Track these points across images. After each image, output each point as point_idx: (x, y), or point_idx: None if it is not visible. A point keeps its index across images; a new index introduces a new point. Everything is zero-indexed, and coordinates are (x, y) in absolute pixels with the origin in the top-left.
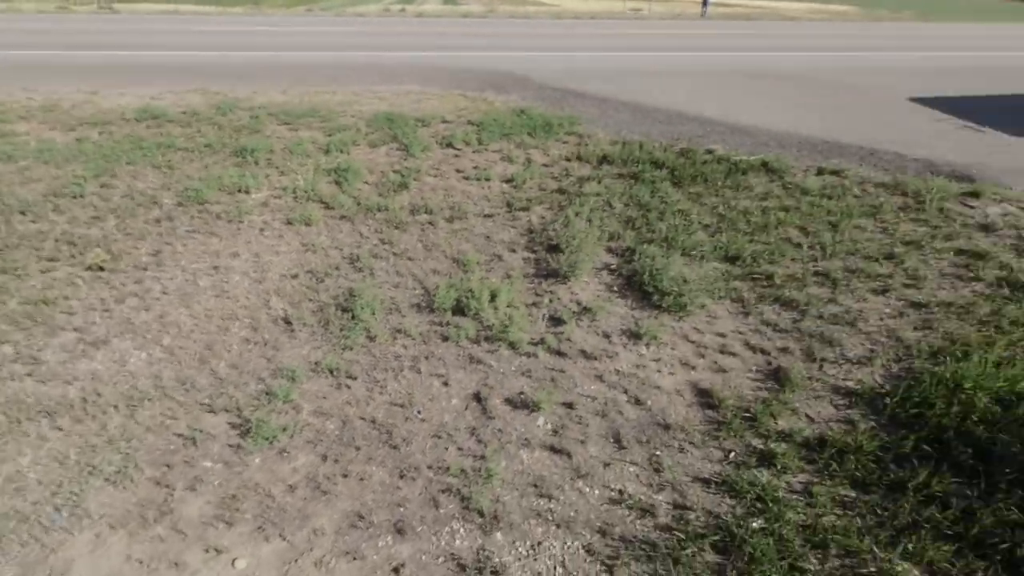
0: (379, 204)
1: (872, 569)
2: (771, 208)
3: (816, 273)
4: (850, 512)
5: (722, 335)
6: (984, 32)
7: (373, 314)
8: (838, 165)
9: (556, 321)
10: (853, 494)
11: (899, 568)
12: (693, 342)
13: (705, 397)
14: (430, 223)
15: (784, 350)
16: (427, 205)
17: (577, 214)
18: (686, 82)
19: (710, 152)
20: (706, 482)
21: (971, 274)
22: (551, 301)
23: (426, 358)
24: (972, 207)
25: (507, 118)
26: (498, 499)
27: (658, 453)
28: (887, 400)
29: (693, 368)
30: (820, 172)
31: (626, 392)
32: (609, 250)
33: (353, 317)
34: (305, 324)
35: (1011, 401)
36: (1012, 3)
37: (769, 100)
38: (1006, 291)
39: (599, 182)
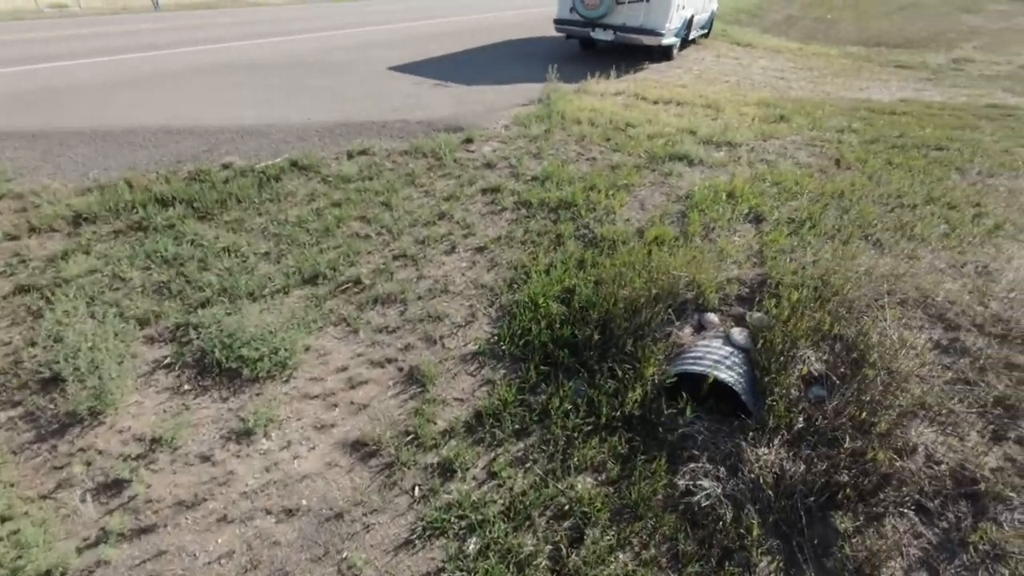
0: None
1: (563, 501)
2: (323, 208)
3: (396, 257)
4: (527, 462)
5: (343, 368)
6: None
7: None
8: (363, 144)
9: (110, 491)
10: (521, 444)
11: (578, 483)
12: (317, 396)
13: (360, 449)
14: None
15: (406, 348)
16: None
17: (68, 313)
18: (165, 88)
19: (228, 167)
20: (408, 544)
21: (498, 207)
22: (86, 466)
23: None
24: (472, 151)
25: None
26: None
27: (343, 555)
28: (502, 345)
29: (332, 425)
30: (351, 156)
31: (270, 512)
32: (150, 340)
33: None
34: None
35: (566, 297)
36: None
37: (267, 93)
38: (523, 211)
39: (87, 254)
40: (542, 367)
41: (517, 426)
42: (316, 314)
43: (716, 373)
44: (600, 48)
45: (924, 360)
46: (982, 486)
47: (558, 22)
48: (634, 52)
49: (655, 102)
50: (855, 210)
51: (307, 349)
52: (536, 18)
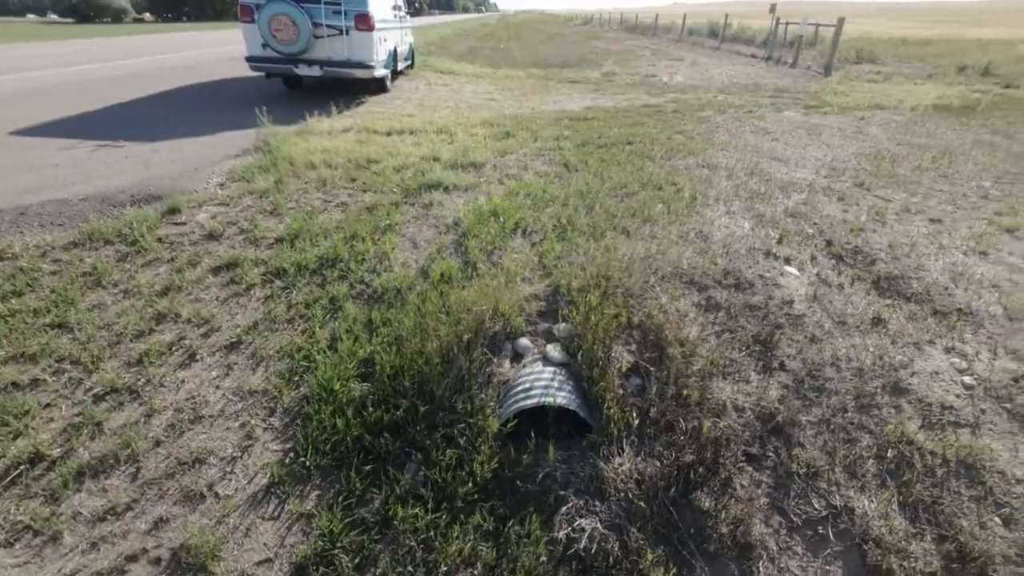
0: None
1: None
2: None
3: (99, 397)
4: None
5: None
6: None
7: None
8: None
9: None
10: None
11: None
12: None
13: None
14: None
15: (158, 525)
16: None
17: None
18: None
19: None
20: None
21: (242, 285)
22: None
23: None
24: (183, 224)
25: None
26: None
27: None
28: (303, 460)
29: None
30: None
31: None
32: None
33: None
34: None
35: (367, 371)
36: (53, 25)
37: None
38: (278, 282)
39: None
40: (365, 467)
41: (358, 559)
42: None
43: (547, 399)
44: (308, 84)
45: (698, 322)
46: (779, 417)
47: (251, 60)
48: (347, 86)
49: (388, 134)
50: (598, 205)
51: None
52: (236, 56)
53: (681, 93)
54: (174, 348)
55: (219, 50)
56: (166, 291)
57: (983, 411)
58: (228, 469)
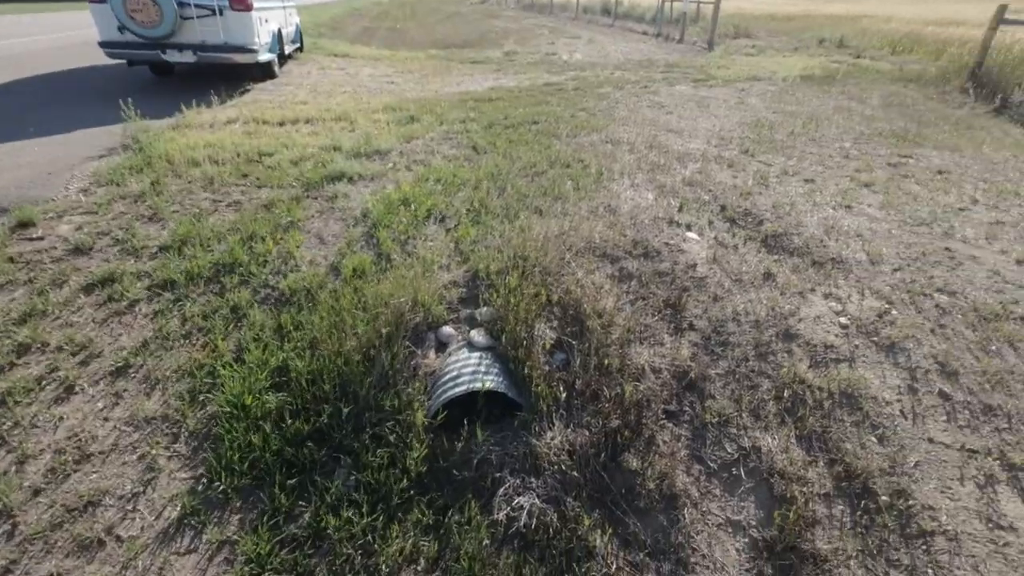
0: None
1: None
2: None
3: None
4: None
5: None
6: None
7: None
8: None
9: None
10: None
11: None
12: None
13: None
14: None
15: None
16: None
17: None
18: None
19: None
20: None
21: (123, 302)
22: None
23: None
24: (39, 239)
25: None
26: None
27: None
28: (219, 484)
29: None
30: None
31: None
32: None
33: None
34: None
35: (281, 379)
36: None
37: None
38: (167, 294)
39: None
40: (289, 481)
41: None
42: None
43: (476, 384)
44: (181, 72)
45: (613, 293)
46: (691, 373)
47: (107, 46)
48: (227, 73)
49: (281, 124)
50: (510, 187)
51: None
52: (90, 41)
53: (580, 71)
54: (45, 382)
55: (66, 35)
56: (26, 318)
57: (856, 346)
58: (129, 508)
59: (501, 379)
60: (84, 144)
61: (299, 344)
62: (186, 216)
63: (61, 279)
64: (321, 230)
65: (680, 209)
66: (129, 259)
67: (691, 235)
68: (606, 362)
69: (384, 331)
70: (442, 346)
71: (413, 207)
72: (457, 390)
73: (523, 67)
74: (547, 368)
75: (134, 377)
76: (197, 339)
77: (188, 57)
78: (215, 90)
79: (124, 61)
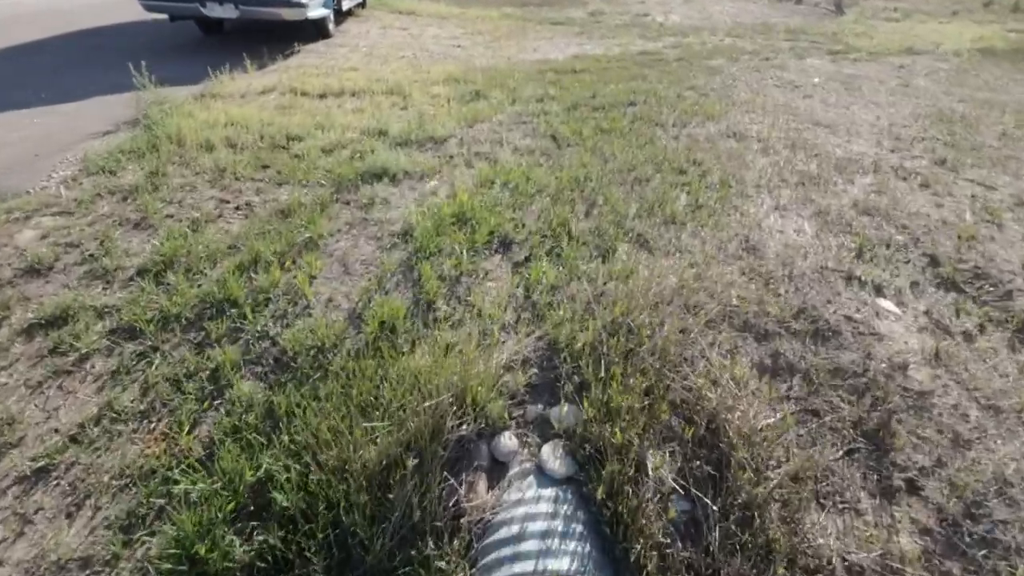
0: None
1: None
2: None
3: None
4: None
5: None
6: None
7: None
8: None
9: None
10: None
11: None
12: None
13: None
14: None
15: None
16: None
17: None
18: None
19: None
20: None
21: (69, 357)
22: None
23: None
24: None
25: None
26: None
27: None
28: None
29: None
30: None
31: None
32: None
33: None
34: None
35: (256, 505)
36: None
37: None
38: (130, 346)
39: None
40: None
41: None
42: None
43: (548, 566)
44: (232, 29)
45: (766, 398)
46: None
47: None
48: (280, 32)
49: (322, 96)
50: (601, 199)
51: None
52: None
53: (681, 36)
54: None
55: None
56: None
57: None
58: None
59: (587, 550)
60: (94, 116)
61: (294, 443)
62: (180, 224)
63: (0, 315)
64: (347, 253)
65: (859, 255)
66: (96, 286)
67: (886, 305)
68: (762, 538)
69: (414, 443)
70: (498, 466)
71: (471, 225)
72: (516, 569)
73: (611, 30)
74: (661, 536)
75: (56, 486)
76: (156, 423)
77: (229, 12)
78: (257, 52)
79: (166, 16)
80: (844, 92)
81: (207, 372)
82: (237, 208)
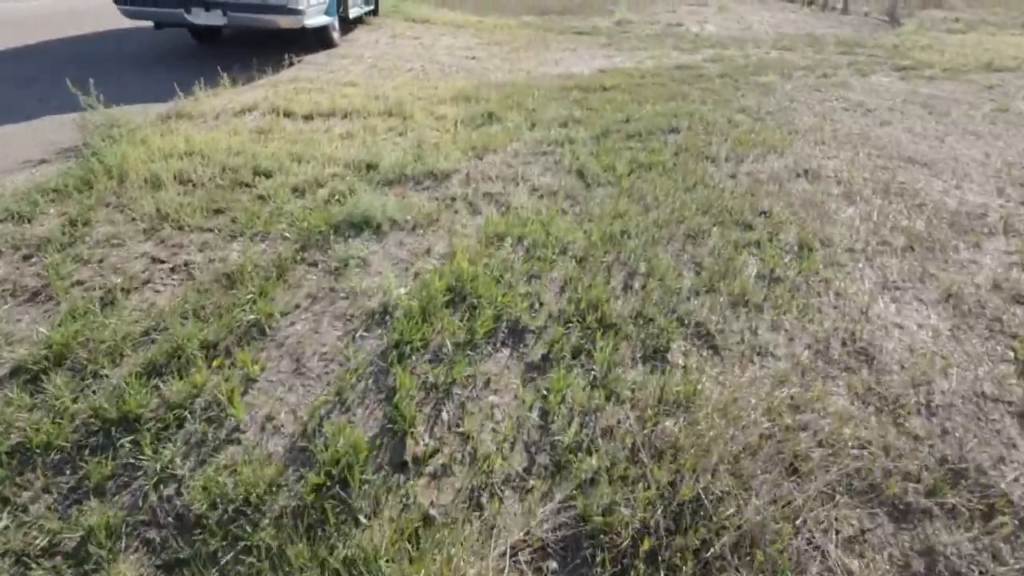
0: None
1: None
2: None
3: None
4: None
5: None
6: None
7: None
8: None
9: None
10: None
11: None
12: None
13: None
14: None
15: None
16: None
17: None
18: None
19: None
20: None
21: None
22: None
23: None
24: None
25: None
26: None
27: None
28: None
29: None
30: None
31: None
32: None
33: None
34: None
35: None
36: None
37: None
38: None
39: None
40: None
41: None
42: None
43: None
44: (227, 37)
45: None
46: None
47: (121, 2)
48: (279, 40)
49: (308, 117)
50: (644, 265)
51: None
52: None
53: (721, 48)
54: None
55: None
56: None
57: None
58: None
59: None
60: (36, 140)
61: None
62: (90, 294)
63: None
64: (303, 342)
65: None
66: None
67: None
68: None
69: None
70: None
71: (470, 304)
72: None
73: (641, 40)
74: None
75: None
76: None
77: (216, 19)
78: (248, 63)
79: (150, 24)
80: (929, 118)
81: (71, 544)
82: (173, 270)
